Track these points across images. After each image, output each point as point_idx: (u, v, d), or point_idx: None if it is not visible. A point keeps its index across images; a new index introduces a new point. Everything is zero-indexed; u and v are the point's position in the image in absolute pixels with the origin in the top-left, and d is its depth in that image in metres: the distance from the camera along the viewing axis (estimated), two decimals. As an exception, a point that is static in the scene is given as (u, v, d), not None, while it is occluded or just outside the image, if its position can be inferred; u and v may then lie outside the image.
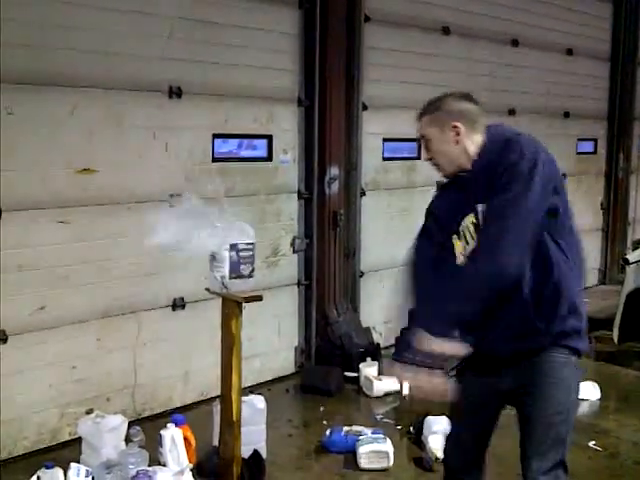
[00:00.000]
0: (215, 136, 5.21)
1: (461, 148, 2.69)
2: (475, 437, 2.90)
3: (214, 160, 5.22)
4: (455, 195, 2.74)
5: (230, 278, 3.26)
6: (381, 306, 6.49)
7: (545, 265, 2.56)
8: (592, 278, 9.20)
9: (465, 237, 2.65)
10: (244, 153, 5.59)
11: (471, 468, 2.93)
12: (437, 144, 2.72)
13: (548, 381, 2.65)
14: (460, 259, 2.66)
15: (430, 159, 2.78)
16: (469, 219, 2.63)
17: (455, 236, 2.69)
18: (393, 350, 6.04)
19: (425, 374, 2.53)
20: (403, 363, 2.61)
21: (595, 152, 9.27)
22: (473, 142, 2.69)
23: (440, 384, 2.55)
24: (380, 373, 5.55)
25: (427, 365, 2.53)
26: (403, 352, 2.65)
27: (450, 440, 3.05)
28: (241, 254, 3.26)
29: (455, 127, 2.68)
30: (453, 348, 2.53)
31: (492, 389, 2.78)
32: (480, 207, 2.57)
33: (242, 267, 3.27)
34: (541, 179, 2.51)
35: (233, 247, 3.22)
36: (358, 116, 6.09)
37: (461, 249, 2.67)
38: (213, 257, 3.25)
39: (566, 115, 8.52)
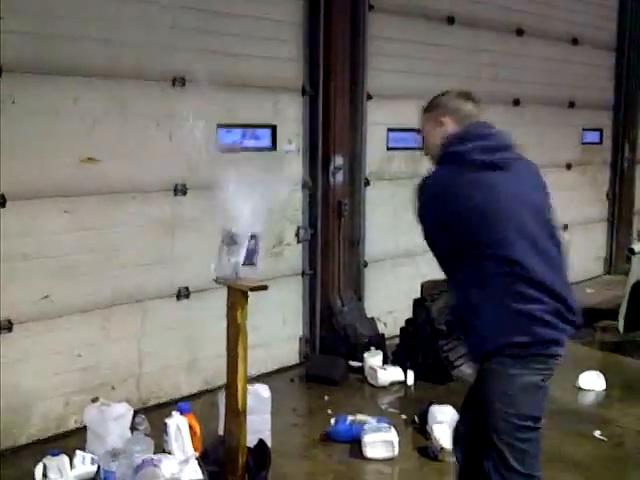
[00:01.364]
0: (219, 126, 5.20)
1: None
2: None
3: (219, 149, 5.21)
4: None
5: (243, 265, 3.29)
6: (385, 296, 6.50)
7: None
8: (597, 268, 9.20)
9: None
10: (247, 143, 5.58)
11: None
12: (429, 138, 2.93)
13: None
14: None
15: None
16: None
17: None
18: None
19: None
20: None
21: (600, 142, 9.24)
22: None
23: None
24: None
25: None
26: None
27: (457, 431, 3.09)
28: (256, 243, 3.31)
29: (441, 122, 2.86)
30: None
31: None
32: None
33: (254, 256, 3.31)
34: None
35: (253, 236, 3.27)
36: (362, 105, 6.08)
37: None
38: (230, 242, 3.26)
39: (571, 105, 8.49)
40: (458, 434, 3.07)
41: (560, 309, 2.69)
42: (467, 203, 2.66)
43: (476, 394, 2.87)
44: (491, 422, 2.74)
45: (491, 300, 2.68)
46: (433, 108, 2.91)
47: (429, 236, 2.79)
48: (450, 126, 2.83)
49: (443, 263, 2.80)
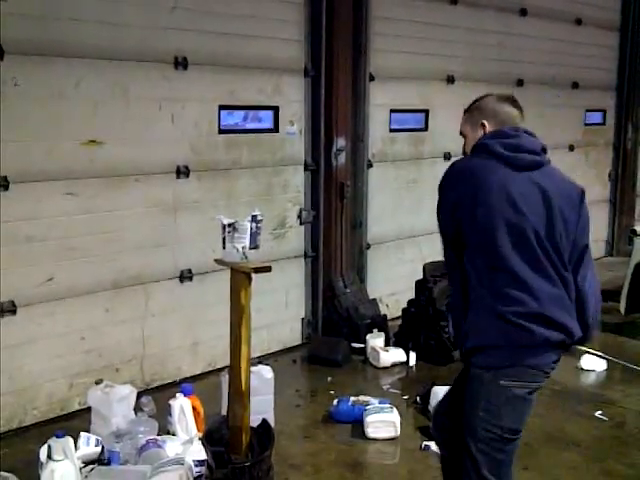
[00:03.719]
0: (221, 107, 5.19)
1: None
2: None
3: (220, 132, 5.21)
4: None
5: (249, 249, 3.30)
6: (388, 278, 6.51)
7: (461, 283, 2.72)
8: (599, 249, 9.20)
9: None
10: (249, 126, 5.57)
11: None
12: (469, 141, 2.87)
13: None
14: None
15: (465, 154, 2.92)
16: None
17: None
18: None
19: None
20: None
21: (604, 123, 9.21)
22: None
23: None
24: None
25: None
26: None
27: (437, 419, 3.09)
28: (258, 225, 3.31)
29: (482, 125, 2.82)
30: None
31: None
32: None
33: (258, 238, 3.32)
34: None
35: (254, 218, 3.28)
36: (365, 87, 6.06)
37: None
38: (233, 228, 3.27)
39: (574, 86, 8.45)
40: (438, 423, 3.03)
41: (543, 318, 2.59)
42: (480, 187, 2.62)
43: (462, 393, 2.79)
44: (471, 428, 2.68)
45: (478, 297, 2.64)
46: (473, 110, 2.91)
47: (440, 211, 2.79)
48: (488, 129, 2.82)
49: (446, 244, 2.80)
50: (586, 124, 8.91)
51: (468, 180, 2.68)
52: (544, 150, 2.79)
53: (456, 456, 2.88)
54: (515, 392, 2.62)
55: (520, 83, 7.57)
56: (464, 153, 2.93)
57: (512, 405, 2.63)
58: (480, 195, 2.62)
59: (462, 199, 2.65)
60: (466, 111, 2.95)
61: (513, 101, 2.90)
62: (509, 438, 2.66)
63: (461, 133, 2.95)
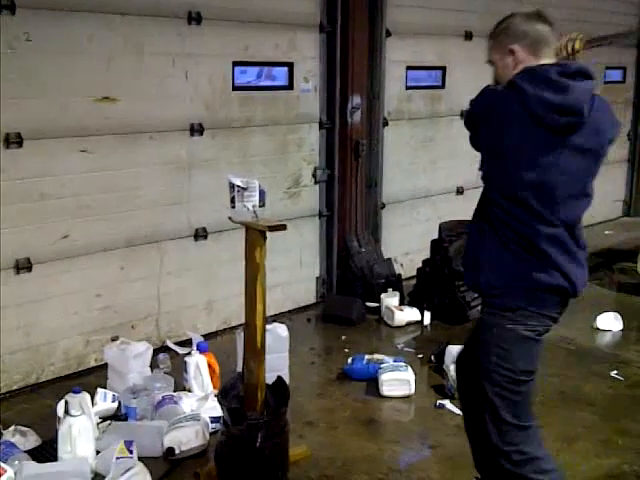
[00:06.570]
0: (235, 64, 5.12)
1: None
2: None
3: (234, 89, 5.15)
4: None
5: (260, 207, 3.30)
6: (402, 237, 6.49)
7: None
8: (617, 210, 9.11)
9: None
10: (263, 83, 5.50)
11: None
12: (498, 70, 2.64)
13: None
14: None
15: (496, 85, 2.68)
16: None
17: None
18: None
19: None
20: None
21: (623, 81, 9.04)
22: None
23: None
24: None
25: None
26: None
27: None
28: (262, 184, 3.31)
29: (511, 51, 2.57)
30: None
31: None
32: None
33: (265, 196, 3.31)
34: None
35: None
36: (381, 43, 5.95)
37: None
38: (243, 188, 3.25)
39: (595, 42, 8.27)
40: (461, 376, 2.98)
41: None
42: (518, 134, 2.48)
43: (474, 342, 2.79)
44: (485, 372, 2.66)
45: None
46: (499, 34, 2.62)
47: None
48: (521, 54, 2.56)
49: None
50: (605, 82, 8.74)
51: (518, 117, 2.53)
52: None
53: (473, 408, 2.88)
54: (524, 333, 2.59)
55: (539, 39, 7.41)
56: (495, 83, 2.67)
57: (523, 346, 2.61)
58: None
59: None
60: (492, 36, 2.66)
61: (540, 16, 2.61)
62: (522, 380, 2.64)
63: (489, 62, 2.69)
